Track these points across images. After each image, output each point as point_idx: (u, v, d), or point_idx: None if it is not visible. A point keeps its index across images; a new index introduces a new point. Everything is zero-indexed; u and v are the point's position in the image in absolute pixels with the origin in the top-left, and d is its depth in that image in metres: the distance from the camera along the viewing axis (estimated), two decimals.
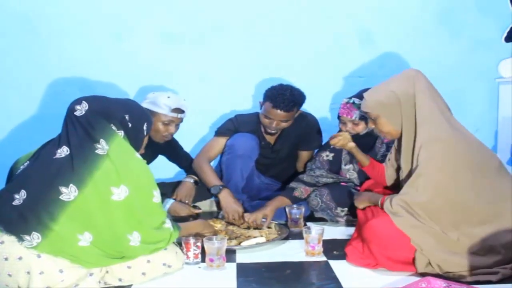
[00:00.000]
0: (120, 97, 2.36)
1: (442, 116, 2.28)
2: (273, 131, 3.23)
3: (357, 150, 2.79)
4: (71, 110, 2.15)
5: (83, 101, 2.15)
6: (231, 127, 3.32)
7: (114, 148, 2.09)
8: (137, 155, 2.18)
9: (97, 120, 2.11)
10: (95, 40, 3.68)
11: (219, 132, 3.33)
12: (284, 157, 3.42)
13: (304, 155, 3.43)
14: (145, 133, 2.31)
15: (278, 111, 3.09)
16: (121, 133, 2.15)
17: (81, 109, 2.13)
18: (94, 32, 3.67)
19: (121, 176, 2.05)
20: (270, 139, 3.36)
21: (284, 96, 3.07)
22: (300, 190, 3.10)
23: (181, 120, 3.04)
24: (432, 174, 2.20)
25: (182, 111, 3.02)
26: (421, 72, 2.39)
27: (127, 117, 2.19)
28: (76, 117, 2.12)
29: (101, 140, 2.08)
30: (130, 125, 2.20)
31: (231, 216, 2.96)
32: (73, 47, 3.66)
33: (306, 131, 3.35)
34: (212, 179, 3.12)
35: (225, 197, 3.03)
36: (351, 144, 2.79)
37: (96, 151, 2.06)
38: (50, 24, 3.64)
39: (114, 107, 2.19)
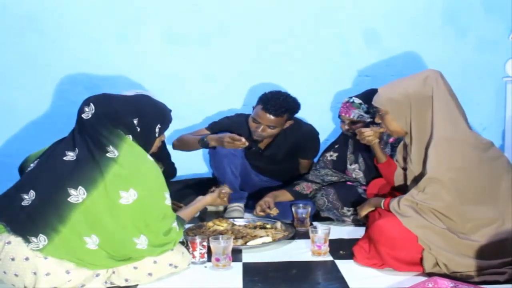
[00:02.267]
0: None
1: (456, 119, 2.27)
2: (258, 137, 3.17)
3: (379, 146, 2.75)
4: (80, 111, 2.13)
5: (91, 103, 2.12)
6: (224, 125, 3.30)
7: (124, 152, 2.07)
8: (149, 157, 2.15)
9: (103, 125, 2.09)
10: (100, 40, 3.69)
11: (210, 127, 3.33)
12: (274, 163, 3.37)
13: (303, 163, 3.42)
14: (157, 135, 2.26)
15: (267, 114, 3.06)
16: (129, 136, 2.13)
17: (88, 112, 2.11)
18: (99, 32, 3.68)
19: (131, 180, 2.04)
20: (261, 144, 3.32)
21: (277, 100, 3.05)
22: (302, 186, 3.12)
23: None
24: (441, 176, 2.18)
25: None
26: (441, 73, 2.35)
27: (135, 121, 2.14)
28: (83, 120, 2.11)
29: (110, 144, 2.06)
30: (138, 129, 2.15)
31: (226, 142, 2.98)
32: (79, 47, 3.67)
33: (302, 140, 3.30)
34: (196, 138, 3.16)
35: (212, 137, 3.09)
36: (377, 140, 2.74)
37: (107, 154, 2.04)
38: (56, 24, 3.65)
39: (123, 110, 2.13)
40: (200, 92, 3.71)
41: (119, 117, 2.12)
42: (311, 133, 3.34)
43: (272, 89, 3.22)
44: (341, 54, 3.78)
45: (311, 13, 3.74)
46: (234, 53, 3.75)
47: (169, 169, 3.35)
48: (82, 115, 2.11)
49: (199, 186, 3.32)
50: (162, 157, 3.34)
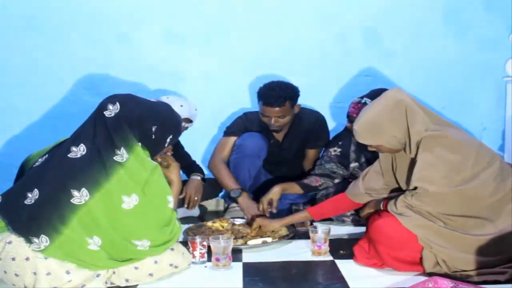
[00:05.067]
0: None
1: (435, 123, 2.28)
2: (276, 128, 3.23)
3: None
4: (102, 106, 2.11)
5: (117, 102, 2.11)
6: (240, 125, 3.34)
7: (132, 157, 2.06)
8: (152, 161, 2.15)
9: (122, 127, 2.07)
10: (100, 39, 3.68)
11: (229, 132, 3.36)
12: (292, 155, 3.42)
13: (311, 153, 3.43)
14: (166, 145, 2.26)
15: (271, 108, 3.12)
16: (140, 143, 2.12)
17: (111, 110, 2.09)
18: (99, 32, 3.67)
19: (134, 186, 2.03)
20: (278, 137, 3.37)
21: (273, 92, 3.10)
22: (310, 179, 3.10)
23: (186, 128, 3.07)
24: (433, 181, 2.17)
25: (191, 121, 3.06)
26: (402, 90, 2.35)
27: (153, 129, 2.14)
28: (104, 117, 2.09)
29: (122, 148, 2.05)
30: (153, 137, 2.15)
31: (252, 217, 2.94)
32: (79, 47, 3.67)
33: (313, 128, 3.36)
34: (230, 182, 3.14)
35: (245, 201, 3.05)
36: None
37: (115, 158, 2.04)
38: (56, 24, 3.65)
39: (146, 116, 2.13)
40: (200, 91, 3.71)
41: (142, 122, 2.11)
42: (321, 120, 3.42)
43: None
44: (341, 54, 3.78)
45: (311, 13, 3.73)
46: (235, 53, 3.74)
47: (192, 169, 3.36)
48: (104, 112, 2.09)
49: None
50: (181, 156, 3.38)
